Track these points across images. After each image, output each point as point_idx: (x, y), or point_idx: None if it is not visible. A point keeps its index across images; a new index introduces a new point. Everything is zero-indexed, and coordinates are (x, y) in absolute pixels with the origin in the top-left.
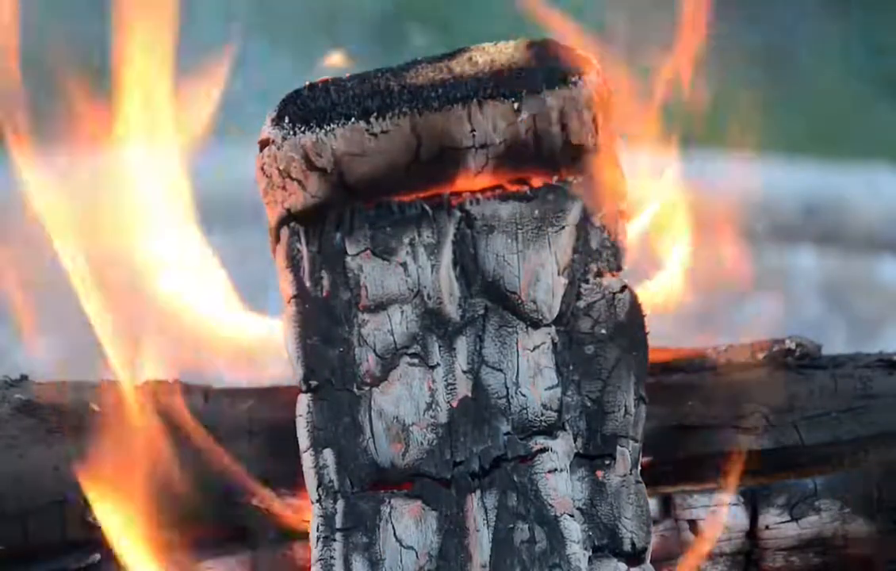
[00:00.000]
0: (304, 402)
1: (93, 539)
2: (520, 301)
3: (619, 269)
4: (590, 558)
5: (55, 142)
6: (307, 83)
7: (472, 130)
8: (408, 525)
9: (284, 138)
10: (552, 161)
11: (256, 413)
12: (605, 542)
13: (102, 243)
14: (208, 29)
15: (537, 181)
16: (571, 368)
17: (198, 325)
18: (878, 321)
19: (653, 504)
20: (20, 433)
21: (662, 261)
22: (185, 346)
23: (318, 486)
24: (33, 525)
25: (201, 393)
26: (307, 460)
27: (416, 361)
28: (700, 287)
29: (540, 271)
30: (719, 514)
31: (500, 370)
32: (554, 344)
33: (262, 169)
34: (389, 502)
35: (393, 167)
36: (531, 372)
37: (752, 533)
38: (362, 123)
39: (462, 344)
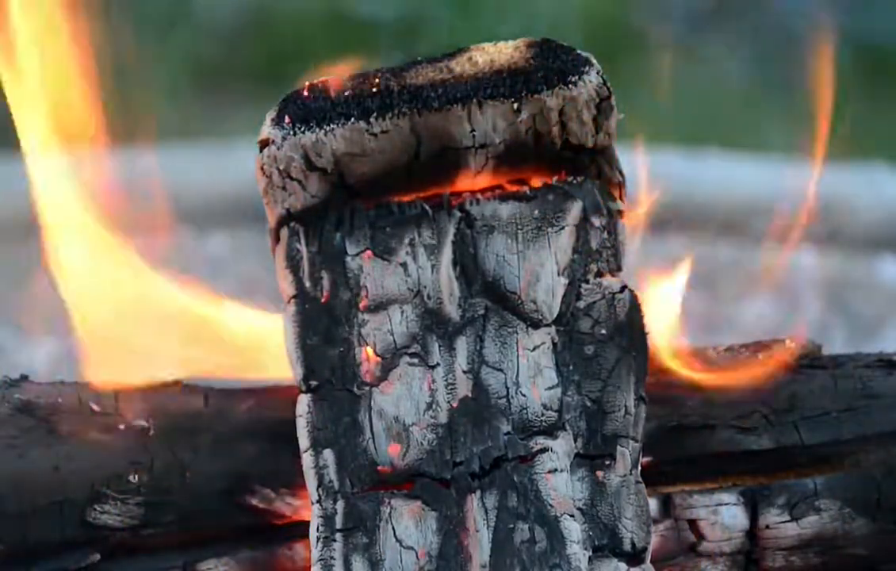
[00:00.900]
0: (304, 402)
1: (93, 538)
2: (520, 301)
3: (619, 269)
4: (590, 558)
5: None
6: (307, 83)
7: (472, 130)
8: (408, 525)
9: (284, 138)
10: (552, 161)
11: (256, 413)
12: (605, 542)
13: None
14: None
15: (537, 181)
16: (571, 368)
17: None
18: (878, 321)
19: (653, 504)
20: (20, 433)
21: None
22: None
23: (319, 486)
24: (33, 525)
25: (201, 393)
26: (307, 460)
27: (416, 361)
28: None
29: (540, 271)
30: (719, 514)
31: (501, 370)
32: (554, 344)
33: (262, 169)
34: (389, 502)
35: (393, 167)
36: (531, 372)
37: (752, 533)
38: (362, 123)
39: (462, 344)
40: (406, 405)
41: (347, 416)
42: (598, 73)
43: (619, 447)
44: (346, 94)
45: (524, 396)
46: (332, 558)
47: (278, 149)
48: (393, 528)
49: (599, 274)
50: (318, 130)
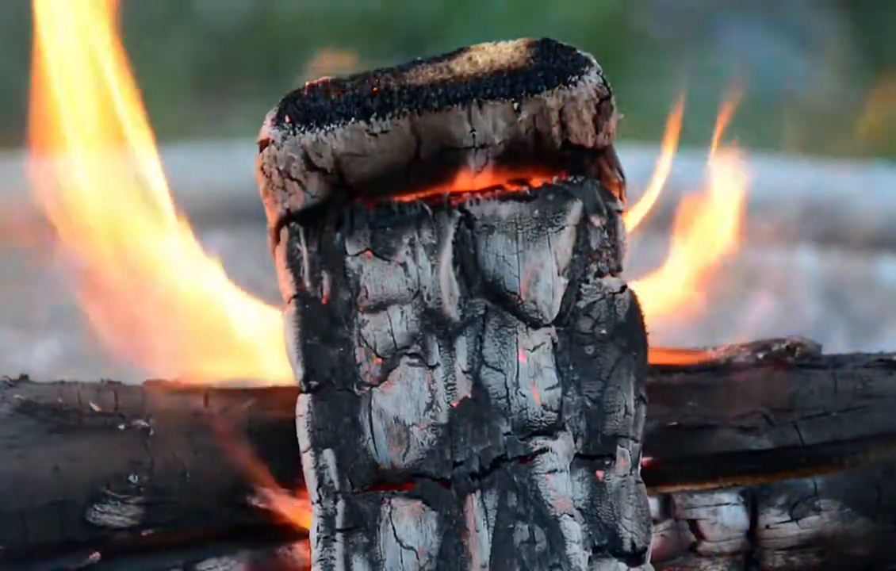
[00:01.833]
0: (304, 402)
1: (93, 538)
2: (520, 301)
3: (619, 269)
4: (590, 558)
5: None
6: (307, 83)
7: (472, 130)
8: (408, 525)
9: (284, 138)
10: (552, 161)
11: (256, 413)
12: (605, 542)
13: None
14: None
15: (537, 181)
16: (571, 368)
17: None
18: (878, 321)
19: (653, 504)
20: (20, 433)
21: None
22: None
23: (319, 486)
24: (33, 525)
25: (201, 393)
26: (307, 460)
27: (416, 361)
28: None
29: (540, 271)
30: (719, 514)
31: (500, 371)
32: (554, 344)
33: (262, 169)
34: (390, 502)
35: (393, 167)
36: (531, 372)
37: (752, 533)
38: (362, 123)
39: (462, 344)
40: (406, 406)
41: (347, 416)
42: (598, 73)
43: (619, 447)
44: (346, 94)
45: (524, 396)
46: (332, 558)
47: (278, 149)
48: (393, 528)
49: (599, 274)
50: (318, 130)
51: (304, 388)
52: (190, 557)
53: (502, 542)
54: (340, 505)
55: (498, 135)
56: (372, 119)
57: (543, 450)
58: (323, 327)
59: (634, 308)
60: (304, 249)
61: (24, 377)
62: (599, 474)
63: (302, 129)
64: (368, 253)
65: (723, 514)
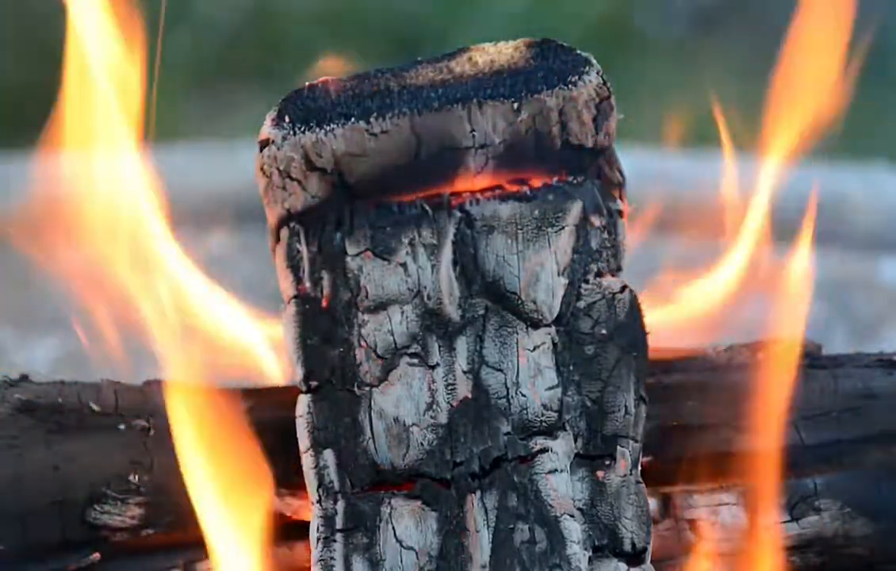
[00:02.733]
0: (304, 402)
1: (93, 538)
2: (520, 301)
3: (619, 269)
4: (590, 558)
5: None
6: (307, 83)
7: (472, 131)
8: (408, 525)
9: (284, 138)
10: (552, 161)
11: (256, 413)
12: (606, 542)
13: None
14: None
15: (537, 181)
16: (571, 368)
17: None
18: (878, 321)
19: (653, 504)
20: (20, 433)
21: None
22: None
23: (319, 487)
24: (33, 525)
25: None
26: (307, 460)
27: (416, 361)
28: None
29: (540, 271)
30: (719, 514)
31: (500, 371)
32: (554, 344)
33: (262, 169)
34: (390, 502)
35: (393, 167)
36: (531, 372)
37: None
38: (362, 123)
39: (462, 344)
40: (406, 406)
41: (347, 416)
42: (597, 73)
43: (619, 447)
44: (346, 94)
45: (524, 396)
46: (332, 558)
47: (278, 149)
48: (393, 528)
49: (599, 274)
50: (318, 130)
51: (304, 388)
52: (190, 557)
53: (502, 542)
54: (340, 505)
55: (498, 135)
56: (372, 119)
57: (543, 450)
58: (323, 327)
59: (634, 308)
60: (304, 249)
61: (24, 377)
62: (599, 474)
63: (302, 129)
64: (368, 253)
65: (723, 514)
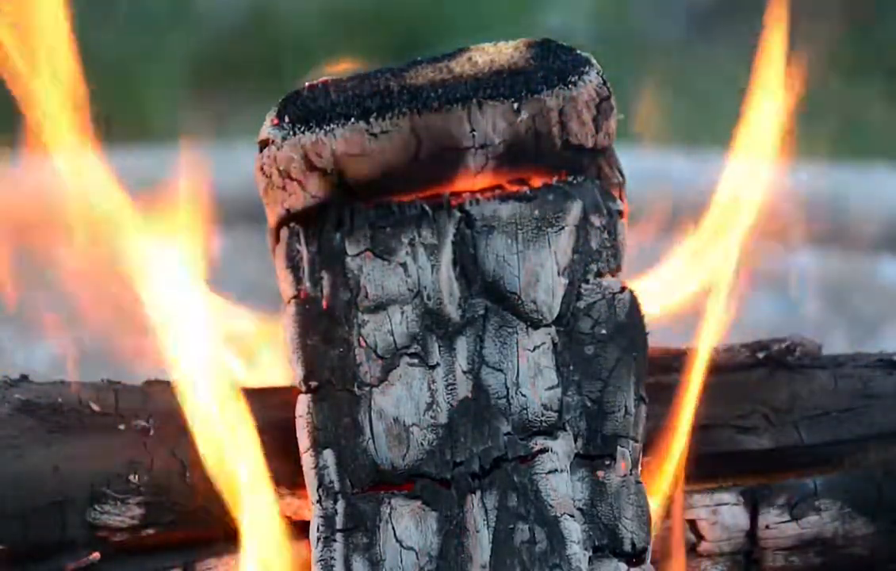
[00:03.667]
0: (304, 403)
1: (93, 538)
2: (520, 302)
3: (618, 269)
4: (590, 558)
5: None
6: (307, 83)
7: (472, 130)
8: (408, 525)
9: (284, 139)
10: (552, 161)
11: (256, 413)
12: (606, 542)
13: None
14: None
15: (537, 181)
16: (571, 368)
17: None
18: (878, 321)
19: (653, 504)
20: (20, 433)
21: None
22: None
23: (319, 487)
24: (33, 525)
25: None
26: (307, 460)
27: (416, 361)
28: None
29: (540, 271)
30: (719, 514)
31: (501, 371)
32: (554, 344)
33: (262, 169)
34: (390, 502)
35: (393, 167)
36: (531, 372)
37: (752, 533)
38: (362, 124)
39: (462, 344)
40: (406, 406)
41: (347, 416)
42: (597, 73)
43: (619, 447)
44: (346, 94)
45: (524, 396)
46: (332, 558)
47: (278, 149)
48: (393, 528)
49: (599, 274)
50: (318, 130)
51: (304, 388)
52: (190, 557)
53: (502, 542)
54: (340, 505)
55: (498, 135)
56: (372, 119)
57: (543, 450)
58: (323, 327)
59: (634, 308)
60: (304, 249)
61: (24, 377)
62: (600, 474)
63: (302, 129)
64: (368, 253)
65: (723, 514)
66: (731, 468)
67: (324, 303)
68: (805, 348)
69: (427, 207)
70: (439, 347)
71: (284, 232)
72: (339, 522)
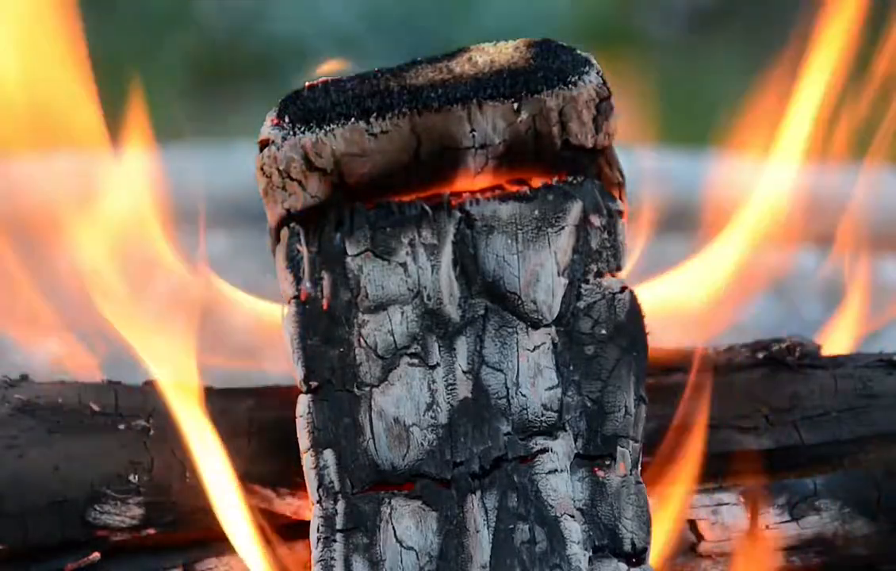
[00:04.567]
0: (304, 403)
1: (93, 538)
2: (520, 302)
3: (619, 269)
4: (590, 558)
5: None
6: (307, 83)
7: (472, 131)
8: (408, 525)
9: (284, 139)
10: (552, 161)
11: (256, 413)
12: (606, 542)
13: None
14: None
15: (537, 181)
16: (572, 368)
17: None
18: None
19: (653, 504)
20: (20, 433)
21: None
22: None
23: (319, 487)
24: (33, 525)
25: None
26: (307, 460)
27: (416, 361)
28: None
29: (540, 271)
30: (719, 514)
31: (501, 371)
32: (554, 345)
33: (262, 169)
34: (390, 502)
35: (393, 167)
36: (531, 373)
37: (752, 533)
38: (362, 124)
39: (462, 344)
40: (406, 406)
41: (348, 416)
42: (598, 73)
43: (619, 447)
44: (346, 94)
45: (524, 396)
46: (332, 558)
47: (278, 149)
48: (393, 528)
49: (599, 274)
50: (318, 130)
51: (304, 388)
52: (190, 557)
53: (502, 542)
54: (340, 506)
55: (498, 135)
56: (372, 119)
57: (544, 450)
58: (323, 327)
59: (634, 308)
60: (304, 249)
61: (24, 377)
62: (600, 474)
63: (302, 129)
64: (368, 253)
65: (723, 514)
66: (731, 468)
67: (324, 303)
68: (805, 348)
69: (427, 208)
70: (439, 347)
71: (284, 232)
72: (339, 522)
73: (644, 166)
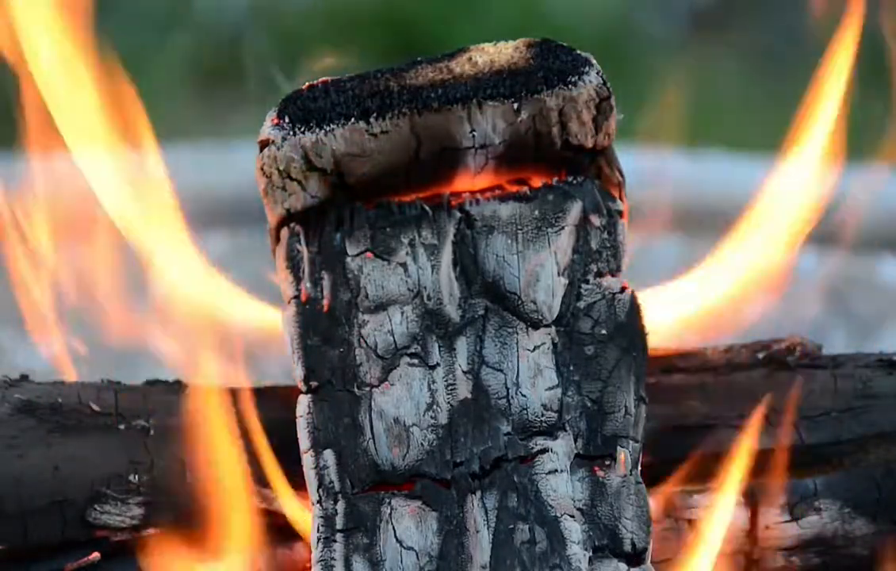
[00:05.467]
0: (304, 403)
1: (93, 538)
2: (520, 302)
3: (619, 269)
4: (590, 558)
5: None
6: (307, 83)
7: (472, 131)
8: (408, 526)
9: (284, 139)
10: (552, 161)
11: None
12: (606, 542)
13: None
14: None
15: (537, 181)
16: (572, 368)
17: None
18: (878, 321)
19: (653, 504)
20: (20, 433)
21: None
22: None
23: (319, 487)
24: (33, 525)
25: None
26: (308, 461)
27: (416, 361)
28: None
29: (540, 271)
30: (719, 514)
31: (501, 371)
32: (554, 345)
33: (262, 169)
34: (390, 503)
35: (393, 167)
36: (531, 373)
37: (752, 533)
38: (362, 124)
39: (462, 345)
40: (406, 406)
41: (348, 417)
42: (597, 73)
43: (619, 447)
44: (346, 94)
45: (524, 396)
46: (332, 558)
47: (278, 149)
48: (393, 529)
49: (599, 274)
50: (318, 130)
51: (304, 388)
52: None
53: (503, 542)
54: (341, 506)
55: (498, 135)
56: (372, 119)
57: (544, 450)
58: (323, 327)
59: (634, 308)
60: (304, 249)
61: (24, 377)
62: (600, 474)
63: (302, 129)
64: (368, 253)
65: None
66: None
67: (324, 303)
68: (805, 348)
69: (427, 208)
70: (439, 347)
71: (285, 232)
72: (339, 522)
73: (644, 166)
